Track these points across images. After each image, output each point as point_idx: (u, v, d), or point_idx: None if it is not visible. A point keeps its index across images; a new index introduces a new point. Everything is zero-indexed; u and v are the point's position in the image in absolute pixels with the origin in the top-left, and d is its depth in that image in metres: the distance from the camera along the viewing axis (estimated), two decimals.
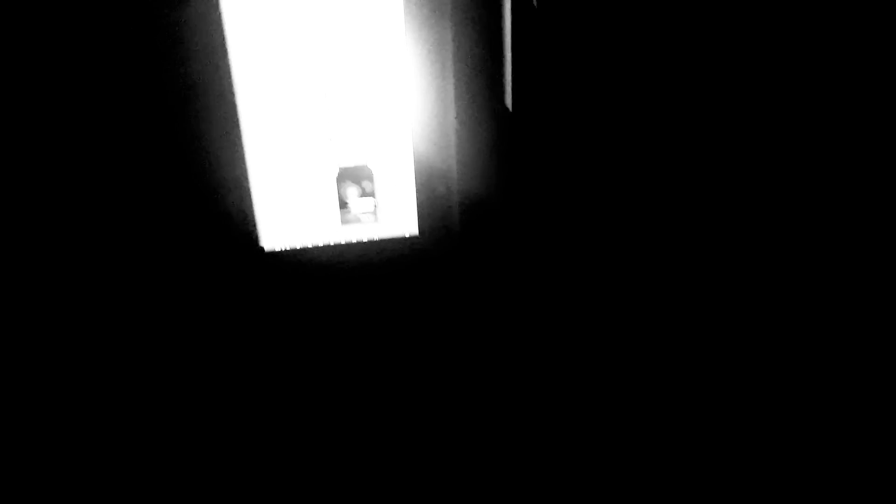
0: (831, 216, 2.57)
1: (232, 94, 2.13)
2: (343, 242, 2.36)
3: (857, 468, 2.56)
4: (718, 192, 2.47)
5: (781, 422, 2.77)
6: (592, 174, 2.38)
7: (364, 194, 2.34)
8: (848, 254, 2.64)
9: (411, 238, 2.40)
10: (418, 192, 2.36)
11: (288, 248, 2.33)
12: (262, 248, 2.32)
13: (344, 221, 2.36)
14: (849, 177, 2.52)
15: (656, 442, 2.71)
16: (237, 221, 2.28)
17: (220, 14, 2.03)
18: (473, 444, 2.67)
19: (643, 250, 2.52)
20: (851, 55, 2.36)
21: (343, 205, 2.34)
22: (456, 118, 2.25)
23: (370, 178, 2.33)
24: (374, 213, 2.37)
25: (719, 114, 2.36)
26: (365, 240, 2.37)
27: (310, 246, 2.34)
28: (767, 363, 2.75)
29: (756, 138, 2.42)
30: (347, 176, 2.31)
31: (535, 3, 2.10)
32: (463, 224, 2.37)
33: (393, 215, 2.39)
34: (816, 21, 2.30)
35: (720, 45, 2.27)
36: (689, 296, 2.62)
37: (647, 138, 2.36)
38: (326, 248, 2.35)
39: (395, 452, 2.64)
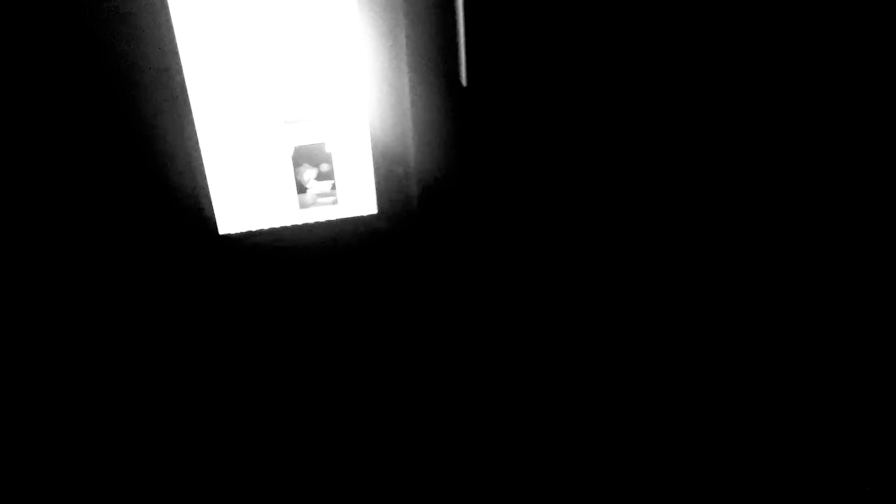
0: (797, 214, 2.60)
1: (181, 76, 2.08)
2: (301, 224, 2.33)
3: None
4: (681, 169, 2.49)
5: (759, 421, 2.81)
6: (549, 149, 2.38)
7: (321, 176, 2.32)
8: (816, 254, 2.68)
9: (370, 217, 2.38)
10: (376, 171, 2.34)
11: (245, 231, 2.30)
12: (218, 232, 2.29)
13: (302, 204, 2.34)
14: (820, 176, 2.56)
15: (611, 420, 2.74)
16: (192, 206, 2.24)
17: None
18: (432, 422, 2.68)
19: (601, 225, 2.53)
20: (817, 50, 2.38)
21: (301, 187, 2.32)
22: (411, 95, 2.23)
23: (327, 160, 2.31)
24: (332, 194, 2.35)
25: (681, 89, 2.37)
26: (323, 221, 2.35)
27: (267, 228, 2.32)
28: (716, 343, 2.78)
29: (718, 114, 2.44)
30: (304, 157, 2.28)
31: None
32: (421, 202, 2.36)
33: (351, 195, 2.37)
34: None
35: (681, 21, 2.28)
36: (650, 272, 2.64)
37: (603, 112, 2.36)
38: (284, 229, 2.33)
39: (354, 433, 2.64)
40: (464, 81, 2.22)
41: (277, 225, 2.33)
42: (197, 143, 2.17)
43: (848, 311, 2.78)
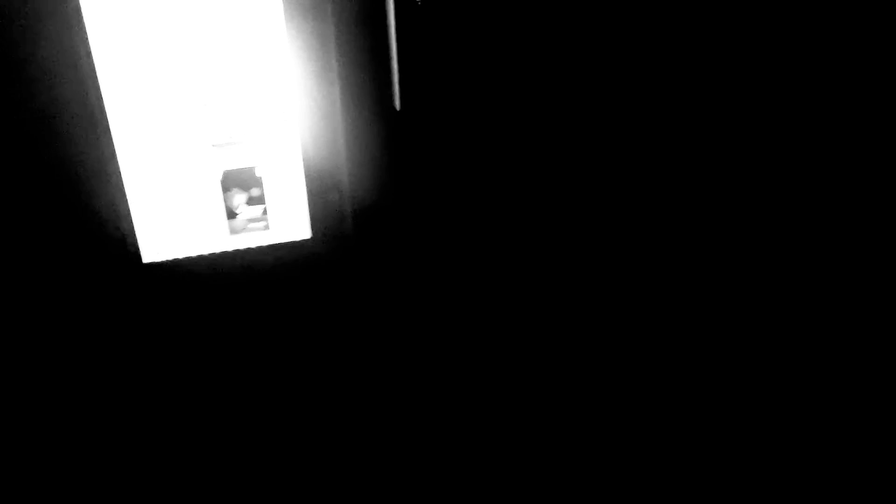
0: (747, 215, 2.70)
1: (100, 98, 1.98)
2: (231, 251, 2.26)
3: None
4: (613, 184, 2.54)
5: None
6: (482, 170, 2.39)
7: (252, 200, 2.25)
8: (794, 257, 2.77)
9: (303, 242, 2.33)
10: (309, 195, 2.29)
11: (171, 260, 2.21)
12: (142, 261, 2.18)
13: (232, 230, 2.26)
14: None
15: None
16: (113, 234, 2.13)
17: (80, 14, 1.88)
18: (368, 449, 2.64)
19: (536, 246, 2.56)
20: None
21: (231, 213, 2.24)
22: (343, 119, 2.20)
23: (258, 184, 2.24)
24: (264, 219, 2.28)
25: (606, 104, 2.43)
26: (254, 247, 2.28)
27: (195, 256, 2.23)
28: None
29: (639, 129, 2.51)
30: (234, 181, 2.21)
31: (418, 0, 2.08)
32: (356, 226, 2.33)
33: (283, 220, 2.31)
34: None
35: (606, 40, 2.34)
36: (586, 291, 2.68)
37: (536, 134, 2.39)
38: (213, 256, 2.24)
39: (289, 464, 2.56)
40: (397, 105, 2.20)
41: (206, 252, 2.24)
42: (118, 167, 2.07)
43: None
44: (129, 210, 2.12)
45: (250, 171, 2.22)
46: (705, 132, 2.55)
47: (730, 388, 2.88)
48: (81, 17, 1.88)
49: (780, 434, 2.74)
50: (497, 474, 2.61)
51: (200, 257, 2.23)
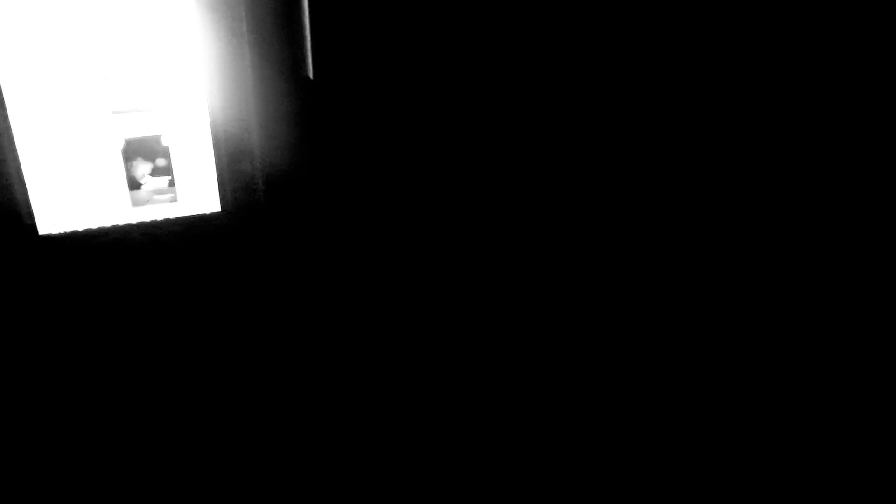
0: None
1: None
2: (135, 223, 2.16)
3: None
4: (545, 168, 2.56)
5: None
6: (397, 141, 2.37)
7: (157, 171, 2.16)
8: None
9: (212, 216, 2.25)
10: (218, 166, 2.22)
11: (69, 232, 2.10)
12: (38, 233, 2.07)
13: (135, 202, 2.17)
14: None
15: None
16: (5, 204, 2.00)
17: None
18: (283, 434, 2.58)
19: (450, 218, 2.55)
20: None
21: (134, 184, 2.14)
22: (255, 88, 2.13)
23: (164, 154, 2.15)
24: (171, 190, 2.20)
25: (542, 78, 2.44)
26: (160, 219, 2.19)
27: (95, 228, 2.12)
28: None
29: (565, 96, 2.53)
30: (137, 150, 2.12)
31: None
32: (267, 199, 2.27)
33: (192, 192, 2.23)
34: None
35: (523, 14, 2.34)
36: (503, 266, 2.69)
37: (451, 105, 2.38)
38: (115, 229, 2.14)
39: (198, 449, 2.49)
40: (310, 74, 2.15)
41: (107, 224, 2.14)
42: (10, 133, 1.95)
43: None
44: (22, 178, 2.00)
45: (155, 139, 2.13)
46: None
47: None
48: None
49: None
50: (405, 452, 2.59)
51: (101, 230, 2.13)
